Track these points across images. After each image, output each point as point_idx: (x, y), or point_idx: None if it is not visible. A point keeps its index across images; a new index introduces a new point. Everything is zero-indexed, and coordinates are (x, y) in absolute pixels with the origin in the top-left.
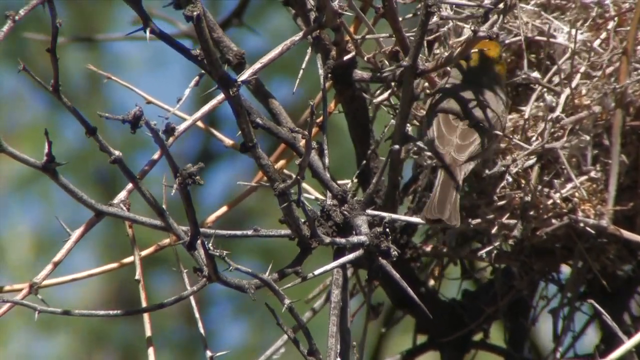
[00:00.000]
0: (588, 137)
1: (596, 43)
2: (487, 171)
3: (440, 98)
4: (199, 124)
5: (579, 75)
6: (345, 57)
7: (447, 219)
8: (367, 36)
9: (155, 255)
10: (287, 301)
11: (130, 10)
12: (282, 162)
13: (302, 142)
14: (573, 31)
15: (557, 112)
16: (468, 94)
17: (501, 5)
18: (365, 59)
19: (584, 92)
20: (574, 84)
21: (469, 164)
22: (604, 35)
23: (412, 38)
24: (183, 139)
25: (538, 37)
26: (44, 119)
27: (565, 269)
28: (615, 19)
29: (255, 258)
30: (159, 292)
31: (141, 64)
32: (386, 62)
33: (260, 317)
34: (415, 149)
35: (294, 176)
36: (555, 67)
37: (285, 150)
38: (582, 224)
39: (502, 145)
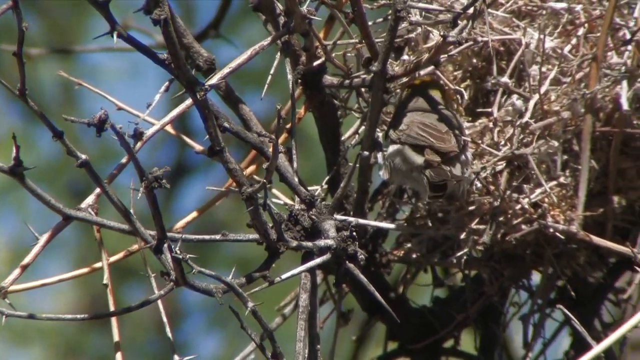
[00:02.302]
0: (557, 143)
1: (566, 49)
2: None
3: (408, 112)
4: (169, 129)
5: (548, 81)
6: (315, 63)
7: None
8: (338, 42)
9: (128, 266)
10: (250, 304)
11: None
12: (252, 168)
13: (271, 147)
14: (542, 37)
15: (526, 118)
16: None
17: (470, 11)
18: (334, 55)
19: (553, 97)
20: (543, 90)
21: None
22: (574, 41)
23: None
24: (157, 150)
25: (507, 43)
26: (19, 132)
27: (536, 276)
28: (586, 25)
29: (231, 267)
30: (132, 303)
31: (117, 76)
32: (355, 67)
33: (234, 328)
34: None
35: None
36: (518, 71)
37: (256, 156)
38: (551, 230)
39: (472, 150)
